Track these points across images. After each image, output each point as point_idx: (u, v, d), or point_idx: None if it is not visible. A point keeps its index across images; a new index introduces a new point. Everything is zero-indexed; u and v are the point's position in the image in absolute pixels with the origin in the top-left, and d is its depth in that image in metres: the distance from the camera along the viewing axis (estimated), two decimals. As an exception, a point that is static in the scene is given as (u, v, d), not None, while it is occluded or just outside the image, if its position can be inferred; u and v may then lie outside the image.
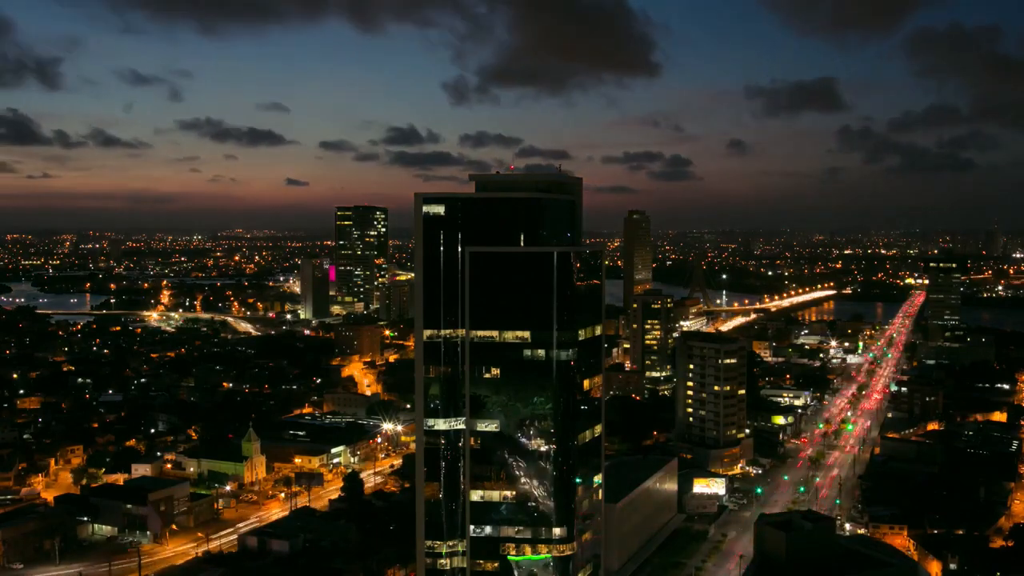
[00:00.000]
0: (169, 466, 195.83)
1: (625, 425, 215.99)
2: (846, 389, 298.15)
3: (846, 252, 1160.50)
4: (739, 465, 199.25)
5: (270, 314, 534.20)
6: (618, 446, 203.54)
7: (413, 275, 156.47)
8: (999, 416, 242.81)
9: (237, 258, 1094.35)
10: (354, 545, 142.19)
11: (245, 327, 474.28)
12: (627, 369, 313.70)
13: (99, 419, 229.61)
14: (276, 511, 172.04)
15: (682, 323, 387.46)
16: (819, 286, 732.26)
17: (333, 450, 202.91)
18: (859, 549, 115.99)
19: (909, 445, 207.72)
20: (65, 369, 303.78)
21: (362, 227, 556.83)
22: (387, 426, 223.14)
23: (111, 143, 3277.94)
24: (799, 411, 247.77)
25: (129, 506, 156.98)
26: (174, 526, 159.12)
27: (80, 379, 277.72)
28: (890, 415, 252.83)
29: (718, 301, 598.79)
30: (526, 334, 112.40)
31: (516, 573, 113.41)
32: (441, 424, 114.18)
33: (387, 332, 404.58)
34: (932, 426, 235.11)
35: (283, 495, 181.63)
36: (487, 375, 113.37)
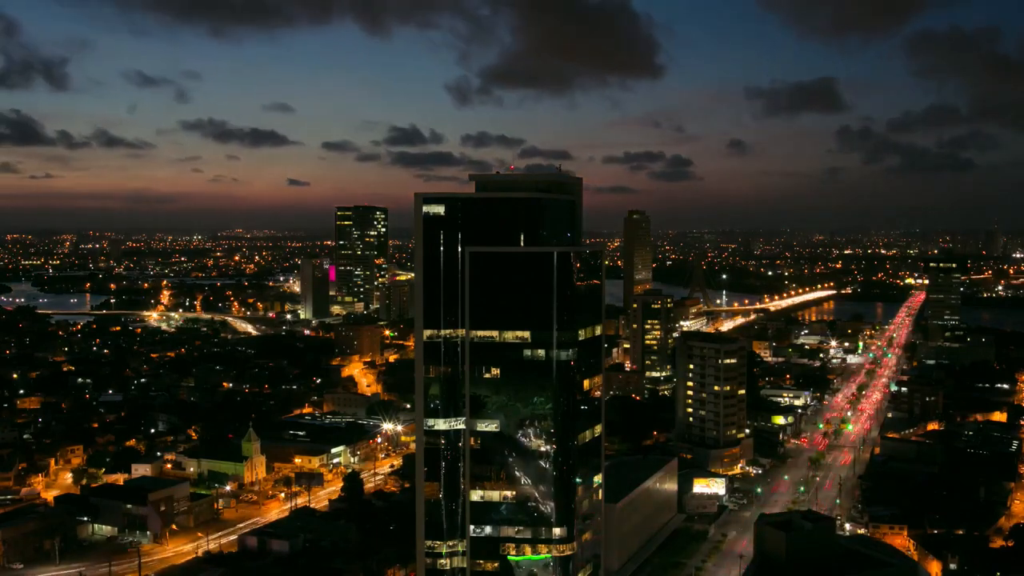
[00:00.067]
0: (169, 466, 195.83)
1: (625, 425, 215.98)
2: (846, 389, 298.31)
3: (846, 252, 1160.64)
4: (739, 465, 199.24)
5: (270, 314, 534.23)
6: (618, 446, 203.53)
7: (413, 275, 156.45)
8: (999, 416, 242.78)
9: (237, 258, 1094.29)
10: (354, 545, 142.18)
11: (245, 327, 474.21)
12: (627, 369, 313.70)
13: (99, 419, 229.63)
14: (276, 511, 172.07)
15: (682, 323, 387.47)
16: (819, 286, 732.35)
17: (333, 450, 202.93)
18: (859, 549, 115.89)
19: (909, 445, 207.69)
20: (65, 369, 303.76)
21: (362, 227, 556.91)
22: (387, 426, 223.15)
23: (114, 143, 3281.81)
24: (799, 411, 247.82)
25: (129, 506, 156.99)
26: (174, 526, 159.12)
27: (80, 379, 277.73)
28: (890, 415, 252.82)
29: (718, 301, 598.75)
30: (526, 334, 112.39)
31: (516, 573, 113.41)
32: (441, 424, 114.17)
33: (387, 332, 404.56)
34: (932, 426, 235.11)
35: (283, 495, 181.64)
36: (487, 375, 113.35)
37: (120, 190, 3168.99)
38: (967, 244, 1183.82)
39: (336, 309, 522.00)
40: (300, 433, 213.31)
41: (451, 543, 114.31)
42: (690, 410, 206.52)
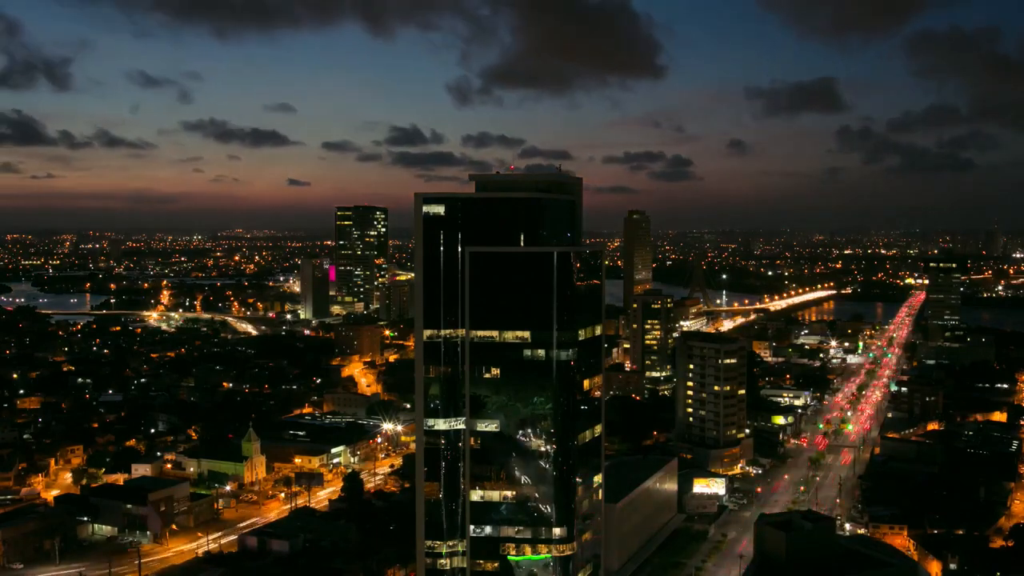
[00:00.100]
0: (169, 466, 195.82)
1: (625, 425, 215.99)
2: (846, 389, 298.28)
3: (846, 252, 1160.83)
4: (739, 465, 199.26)
5: (270, 314, 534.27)
6: (618, 446, 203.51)
7: (413, 275, 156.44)
8: (999, 416, 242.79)
9: (237, 258, 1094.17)
10: (354, 545, 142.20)
11: (245, 327, 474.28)
12: (627, 369, 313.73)
13: (99, 419, 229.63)
14: (276, 511, 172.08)
15: (682, 323, 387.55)
16: (819, 286, 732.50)
17: (333, 450, 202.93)
18: (859, 549, 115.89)
19: (909, 445, 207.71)
20: (65, 369, 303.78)
21: (362, 227, 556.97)
22: (387, 426, 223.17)
23: (116, 144, 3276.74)
24: (799, 411, 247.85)
25: (129, 506, 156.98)
26: (174, 526, 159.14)
27: (80, 379, 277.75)
28: (890, 415, 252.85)
29: (718, 301, 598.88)
30: (526, 334, 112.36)
31: (516, 573, 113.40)
32: (441, 424, 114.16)
33: (387, 332, 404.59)
34: (932, 426, 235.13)
35: (283, 495, 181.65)
36: (487, 375, 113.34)
37: (121, 190, 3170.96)
38: (967, 244, 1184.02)
39: (336, 309, 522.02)
40: (300, 433, 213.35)
41: (451, 543, 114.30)
42: (690, 410, 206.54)
